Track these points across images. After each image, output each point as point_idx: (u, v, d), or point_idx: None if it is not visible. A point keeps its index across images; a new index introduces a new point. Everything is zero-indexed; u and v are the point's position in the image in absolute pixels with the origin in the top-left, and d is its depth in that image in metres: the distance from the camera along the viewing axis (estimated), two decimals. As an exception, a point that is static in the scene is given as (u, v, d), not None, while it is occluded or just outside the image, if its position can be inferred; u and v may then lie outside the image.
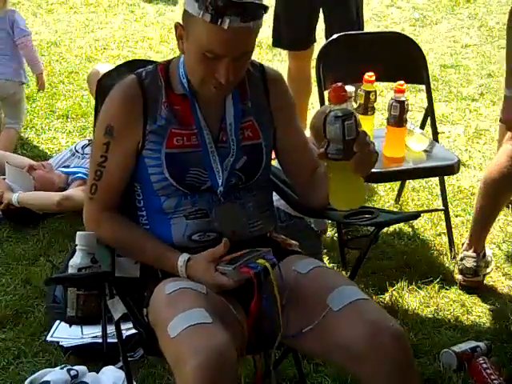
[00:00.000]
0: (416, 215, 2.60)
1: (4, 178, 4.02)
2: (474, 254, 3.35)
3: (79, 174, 3.97)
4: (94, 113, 2.39)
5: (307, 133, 3.15)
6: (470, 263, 3.34)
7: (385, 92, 5.38)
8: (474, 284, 3.34)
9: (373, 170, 2.06)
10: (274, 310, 2.03)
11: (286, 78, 4.23)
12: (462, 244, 3.47)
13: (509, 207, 3.96)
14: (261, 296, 2.01)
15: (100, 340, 2.74)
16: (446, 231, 3.67)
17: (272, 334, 2.07)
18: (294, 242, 2.31)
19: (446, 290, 3.33)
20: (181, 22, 2.06)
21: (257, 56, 5.67)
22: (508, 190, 3.35)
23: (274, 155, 2.30)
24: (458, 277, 3.36)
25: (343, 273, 3.32)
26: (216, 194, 2.14)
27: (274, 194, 2.42)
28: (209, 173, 2.14)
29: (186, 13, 2.03)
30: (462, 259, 3.37)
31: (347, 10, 4.13)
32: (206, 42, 1.99)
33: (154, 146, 2.13)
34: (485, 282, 3.40)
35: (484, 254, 3.39)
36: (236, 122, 2.17)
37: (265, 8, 2.00)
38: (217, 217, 2.14)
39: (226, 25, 1.94)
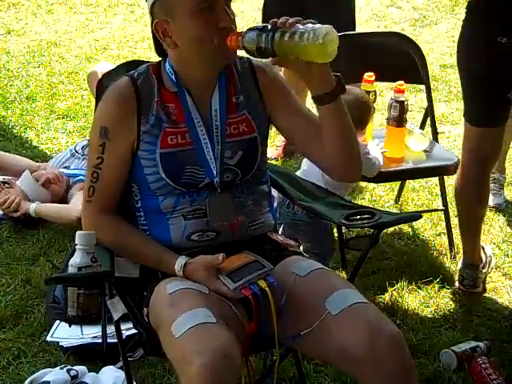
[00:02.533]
0: (417, 216, 2.58)
1: (14, 180, 3.98)
2: (473, 267, 3.29)
3: (80, 177, 3.93)
4: (94, 113, 2.39)
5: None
6: (468, 276, 3.28)
7: (385, 92, 5.37)
8: (472, 294, 3.29)
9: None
10: (271, 327, 2.03)
11: (285, 78, 4.23)
12: (456, 255, 3.45)
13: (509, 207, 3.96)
14: (259, 319, 2.02)
15: (100, 340, 2.74)
16: (446, 231, 3.67)
17: (270, 338, 2.06)
18: (293, 242, 2.30)
19: (446, 289, 3.32)
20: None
21: (257, 56, 5.61)
22: (477, 197, 3.22)
23: (272, 155, 2.28)
24: (456, 284, 3.34)
25: (343, 273, 3.32)
26: (214, 189, 2.13)
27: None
28: (205, 167, 2.13)
29: (158, 4, 2.06)
30: (461, 270, 3.32)
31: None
32: None
33: (148, 147, 2.12)
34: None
35: (483, 266, 3.33)
36: (221, 107, 2.15)
37: None
38: (213, 208, 2.13)
39: None
